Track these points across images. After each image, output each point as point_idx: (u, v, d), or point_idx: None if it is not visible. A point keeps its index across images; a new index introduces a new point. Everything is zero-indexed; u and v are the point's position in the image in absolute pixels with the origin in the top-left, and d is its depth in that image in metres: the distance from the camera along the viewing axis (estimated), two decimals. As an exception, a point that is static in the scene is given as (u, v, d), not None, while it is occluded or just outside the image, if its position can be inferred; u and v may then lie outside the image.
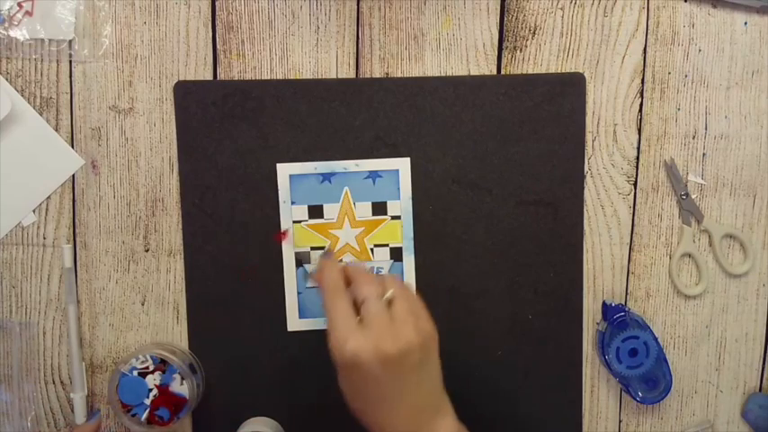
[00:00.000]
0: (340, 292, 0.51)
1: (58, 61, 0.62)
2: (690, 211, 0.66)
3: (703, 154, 0.66)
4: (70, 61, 0.62)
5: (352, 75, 0.64)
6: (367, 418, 0.50)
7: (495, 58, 0.64)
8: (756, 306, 0.67)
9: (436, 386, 0.51)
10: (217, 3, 0.62)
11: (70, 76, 0.62)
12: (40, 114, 0.62)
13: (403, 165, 0.63)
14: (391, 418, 0.49)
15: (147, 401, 0.61)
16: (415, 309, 0.51)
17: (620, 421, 0.67)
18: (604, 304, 0.65)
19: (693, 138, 0.65)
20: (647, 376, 0.65)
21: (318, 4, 0.63)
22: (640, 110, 0.65)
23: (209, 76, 0.63)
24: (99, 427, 0.62)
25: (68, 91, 0.63)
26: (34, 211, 0.63)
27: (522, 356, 0.66)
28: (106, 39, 0.62)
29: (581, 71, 0.64)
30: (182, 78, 0.63)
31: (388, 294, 0.50)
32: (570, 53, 0.64)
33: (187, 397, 0.61)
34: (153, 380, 0.61)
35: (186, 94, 0.63)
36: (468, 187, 0.64)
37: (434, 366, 0.51)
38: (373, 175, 0.64)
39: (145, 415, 0.61)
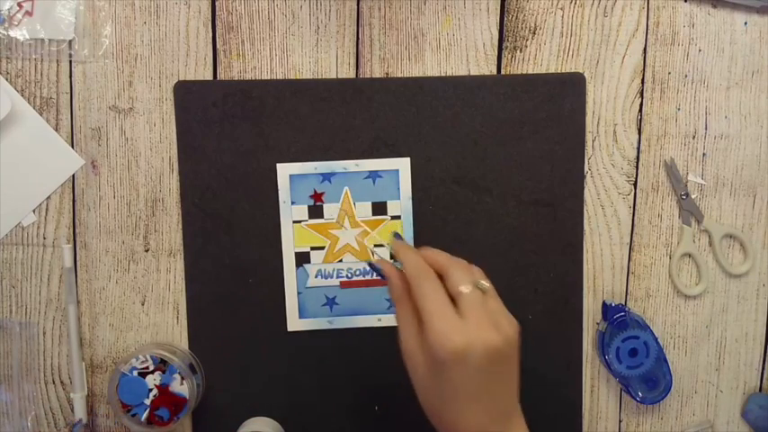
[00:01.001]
0: (432, 279, 0.46)
1: (58, 61, 0.62)
2: (690, 211, 0.66)
3: (703, 154, 0.66)
4: (70, 61, 0.62)
5: (352, 75, 0.64)
6: (446, 416, 0.46)
7: (495, 58, 0.64)
8: (756, 306, 0.67)
9: (516, 387, 0.48)
10: (217, 3, 0.62)
11: (70, 76, 0.62)
12: (40, 114, 0.62)
13: (403, 165, 0.63)
14: (477, 419, 0.45)
15: (147, 401, 0.61)
16: (501, 304, 0.48)
17: (620, 421, 0.67)
18: (604, 304, 0.65)
19: (693, 138, 0.65)
20: (647, 376, 0.65)
21: (318, 4, 0.63)
22: (640, 110, 0.65)
23: (209, 76, 0.63)
24: None
25: (68, 91, 0.63)
26: (34, 211, 0.63)
27: (523, 356, 0.65)
28: (106, 39, 0.62)
29: (581, 71, 0.64)
30: (182, 78, 0.63)
31: (484, 284, 0.47)
32: (570, 53, 0.64)
33: (187, 397, 0.61)
34: (153, 380, 0.61)
35: (186, 94, 0.63)
36: (468, 187, 0.64)
37: (517, 365, 0.48)
38: (373, 175, 0.64)
39: (145, 415, 0.61)
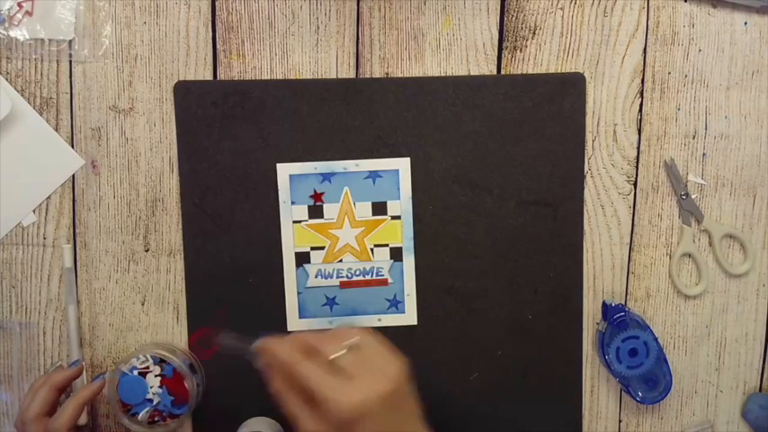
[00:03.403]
0: (303, 361, 0.48)
1: (58, 61, 0.62)
2: (690, 211, 0.66)
3: (703, 154, 0.66)
4: (70, 61, 0.62)
5: (352, 75, 0.64)
6: None
7: (495, 58, 0.64)
8: (756, 306, 0.67)
9: (416, 413, 0.50)
10: (217, 3, 0.62)
11: (70, 76, 0.62)
12: (40, 114, 0.62)
13: (403, 165, 0.63)
14: None
15: (152, 393, 0.61)
16: (383, 346, 0.50)
17: (619, 421, 0.67)
18: (604, 304, 0.65)
19: (693, 138, 0.65)
20: (647, 376, 0.65)
21: (318, 4, 0.63)
22: (640, 110, 0.65)
23: (209, 76, 0.63)
24: (80, 374, 0.61)
25: (68, 91, 0.63)
26: (34, 211, 0.63)
27: (522, 356, 0.66)
28: (106, 39, 0.62)
29: (581, 71, 0.64)
30: (182, 78, 0.63)
31: (352, 341, 0.49)
32: (570, 53, 0.64)
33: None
34: (155, 374, 0.61)
35: (186, 94, 0.63)
36: (468, 187, 0.64)
37: (412, 397, 0.50)
38: (373, 175, 0.64)
39: (145, 415, 0.61)
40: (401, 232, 0.64)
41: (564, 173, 0.64)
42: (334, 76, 0.64)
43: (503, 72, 0.64)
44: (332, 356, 0.48)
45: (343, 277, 0.64)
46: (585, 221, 0.65)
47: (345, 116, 0.63)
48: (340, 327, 0.50)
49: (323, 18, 0.63)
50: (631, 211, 0.66)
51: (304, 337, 0.50)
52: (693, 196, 0.66)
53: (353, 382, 0.47)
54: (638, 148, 0.65)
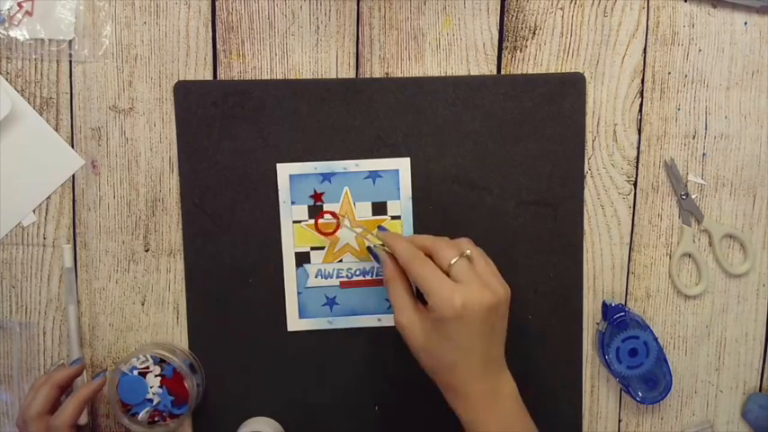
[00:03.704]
0: (425, 259, 0.54)
1: (58, 61, 0.62)
2: (690, 211, 0.66)
3: (703, 154, 0.66)
4: (70, 61, 0.62)
5: (352, 75, 0.64)
6: (445, 368, 0.53)
7: (495, 58, 0.64)
8: (756, 306, 0.67)
9: (503, 340, 0.55)
10: (217, 3, 0.63)
11: (70, 76, 0.62)
12: (40, 114, 0.63)
13: (403, 165, 0.63)
14: (472, 369, 0.52)
15: (152, 393, 0.61)
16: (491, 266, 0.55)
17: (619, 421, 0.67)
18: (604, 304, 0.65)
19: (693, 138, 0.65)
20: (647, 376, 0.65)
21: (318, 4, 0.63)
22: (640, 110, 0.65)
23: (209, 76, 0.63)
24: (81, 372, 0.61)
25: (68, 91, 0.63)
26: (34, 211, 0.63)
27: (522, 356, 0.65)
28: (106, 39, 0.62)
29: (581, 71, 0.64)
30: (182, 78, 0.63)
31: (467, 252, 0.54)
32: (570, 53, 0.64)
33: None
34: (154, 378, 0.61)
35: (186, 94, 0.63)
36: (468, 187, 0.64)
37: (506, 321, 0.55)
38: (373, 175, 0.64)
39: (145, 415, 0.61)
40: (401, 232, 0.64)
41: (564, 173, 0.64)
42: (334, 76, 0.64)
43: (503, 72, 0.64)
44: (452, 261, 0.53)
45: (343, 277, 0.64)
46: (585, 221, 0.65)
47: (345, 116, 0.63)
48: (456, 239, 0.56)
49: (323, 18, 0.63)
50: (631, 211, 0.66)
51: (422, 239, 0.56)
52: (693, 196, 0.66)
53: (462, 286, 0.51)
54: (638, 148, 0.65)
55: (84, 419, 0.64)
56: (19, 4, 0.61)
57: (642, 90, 0.65)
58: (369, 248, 0.61)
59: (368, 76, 0.64)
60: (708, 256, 0.66)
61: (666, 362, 0.65)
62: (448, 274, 0.52)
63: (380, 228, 0.62)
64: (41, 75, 0.62)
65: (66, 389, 0.60)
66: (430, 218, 0.64)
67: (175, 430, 0.63)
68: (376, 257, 0.59)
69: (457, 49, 0.64)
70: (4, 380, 0.64)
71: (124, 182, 0.63)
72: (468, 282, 0.52)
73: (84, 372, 0.64)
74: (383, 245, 0.58)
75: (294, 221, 0.64)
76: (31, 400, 0.57)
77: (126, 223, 0.64)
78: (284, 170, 0.63)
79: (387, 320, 0.64)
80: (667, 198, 0.66)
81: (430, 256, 0.54)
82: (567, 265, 0.65)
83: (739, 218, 0.66)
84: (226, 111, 0.63)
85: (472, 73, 0.64)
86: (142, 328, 0.65)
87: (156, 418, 0.61)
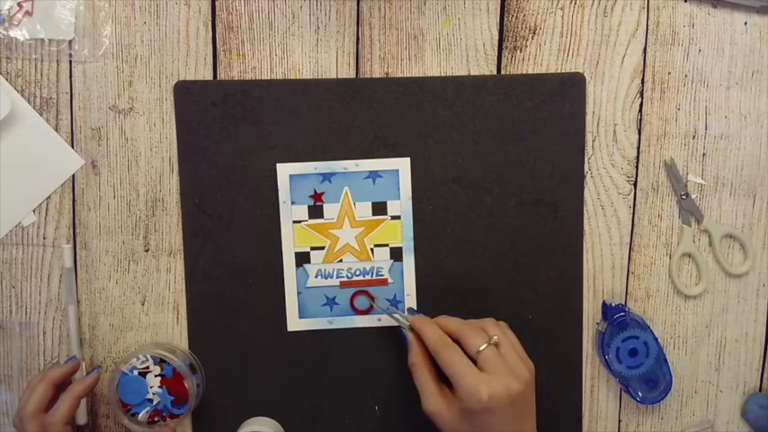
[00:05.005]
0: (453, 346, 0.55)
1: (58, 61, 0.62)
2: (690, 211, 0.66)
3: (703, 154, 0.66)
4: (70, 61, 0.62)
5: (352, 75, 0.64)
6: None
7: (495, 58, 0.64)
8: (756, 306, 0.67)
9: (534, 417, 0.56)
10: (217, 3, 0.63)
11: (70, 76, 0.62)
12: (40, 114, 0.63)
13: (403, 165, 0.63)
14: None
15: (152, 393, 0.61)
16: (516, 347, 0.57)
17: (619, 421, 0.67)
18: (604, 304, 0.65)
19: (693, 138, 0.65)
20: (647, 376, 0.65)
21: (318, 4, 0.63)
22: (640, 110, 0.65)
23: (209, 76, 0.63)
24: (76, 369, 0.61)
25: (68, 91, 0.63)
26: (34, 211, 0.63)
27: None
28: (106, 39, 0.62)
29: (581, 71, 0.64)
30: (182, 78, 0.63)
31: (495, 339, 0.55)
32: (570, 53, 0.64)
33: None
34: (154, 378, 0.61)
35: (186, 94, 0.63)
36: (468, 187, 0.64)
37: (533, 397, 0.56)
38: (373, 175, 0.64)
39: (145, 415, 0.61)
40: (401, 232, 0.64)
41: (564, 173, 0.64)
42: (334, 76, 0.64)
43: (503, 72, 0.64)
44: (480, 348, 0.54)
45: (343, 277, 0.64)
46: (585, 221, 0.65)
47: (345, 116, 0.63)
48: (481, 321, 0.58)
49: (323, 18, 0.63)
50: (631, 212, 0.66)
51: (451, 323, 0.58)
52: (693, 196, 0.66)
53: (491, 377, 0.53)
54: (638, 148, 0.65)
55: (83, 419, 0.64)
56: (19, 4, 0.61)
57: (642, 90, 0.65)
58: (398, 329, 0.62)
59: (368, 76, 0.64)
60: (708, 257, 0.66)
61: (666, 362, 0.65)
62: (475, 361, 0.54)
63: (410, 310, 0.63)
64: (41, 75, 0.62)
65: (61, 387, 0.60)
66: (430, 218, 0.64)
67: (175, 430, 0.63)
68: (403, 337, 0.60)
69: (457, 49, 0.64)
70: (3, 380, 0.64)
71: (124, 182, 0.63)
72: (495, 371, 0.53)
73: (83, 369, 0.63)
74: (410, 327, 0.59)
75: (294, 221, 0.64)
76: (27, 398, 0.57)
77: (126, 223, 0.64)
78: (284, 170, 0.63)
79: (387, 320, 0.64)
80: (667, 198, 0.66)
81: (457, 341, 0.56)
82: (567, 265, 0.65)
83: (739, 218, 0.66)
84: (226, 111, 0.63)
85: (472, 73, 0.64)
86: (142, 328, 0.65)
87: (156, 418, 0.61)
